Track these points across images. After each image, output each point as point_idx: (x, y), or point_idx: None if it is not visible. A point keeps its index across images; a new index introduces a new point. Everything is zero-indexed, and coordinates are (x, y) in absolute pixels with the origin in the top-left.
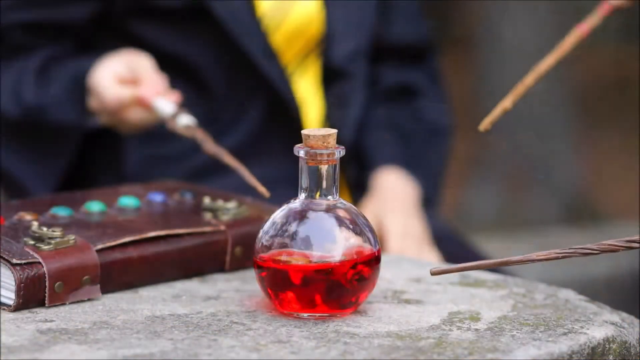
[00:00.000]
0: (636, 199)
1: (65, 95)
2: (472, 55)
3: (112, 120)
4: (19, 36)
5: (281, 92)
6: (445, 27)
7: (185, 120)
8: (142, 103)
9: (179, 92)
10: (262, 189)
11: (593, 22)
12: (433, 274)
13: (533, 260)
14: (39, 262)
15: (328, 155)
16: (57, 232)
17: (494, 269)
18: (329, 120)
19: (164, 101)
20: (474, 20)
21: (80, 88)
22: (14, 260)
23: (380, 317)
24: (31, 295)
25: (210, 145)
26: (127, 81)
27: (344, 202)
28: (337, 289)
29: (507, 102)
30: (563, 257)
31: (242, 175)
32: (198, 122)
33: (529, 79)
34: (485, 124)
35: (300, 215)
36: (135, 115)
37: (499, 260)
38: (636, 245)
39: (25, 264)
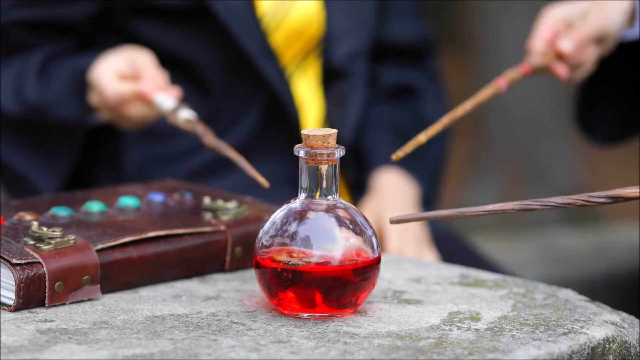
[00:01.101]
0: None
1: (66, 92)
2: (472, 55)
3: (113, 116)
4: (20, 34)
5: (280, 92)
6: (445, 27)
7: (186, 114)
8: (142, 98)
9: (179, 87)
10: (261, 180)
11: (512, 77)
12: (392, 222)
13: (489, 212)
14: (39, 262)
15: (328, 155)
16: (57, 232)
17: (493, 268)
18: (329, 120)
19: (165, 96)
20: (474, 20)
21: (81, 84)
22: (14, 260)
23: (380, 317)
24: (31, 295)
25: (210, 139)
26: (128, 77)
27: (344, 202)
28: (337, 289)
29: (421, 137)
30: (520, 210)
31: (241, 167)
32: (198, 117)
33: (445, 120)
34: (397, 154)
35: (300, 215)
36: (136, 111)
37: (456, 210)
38: (596, 199)
39: (25, 264)
